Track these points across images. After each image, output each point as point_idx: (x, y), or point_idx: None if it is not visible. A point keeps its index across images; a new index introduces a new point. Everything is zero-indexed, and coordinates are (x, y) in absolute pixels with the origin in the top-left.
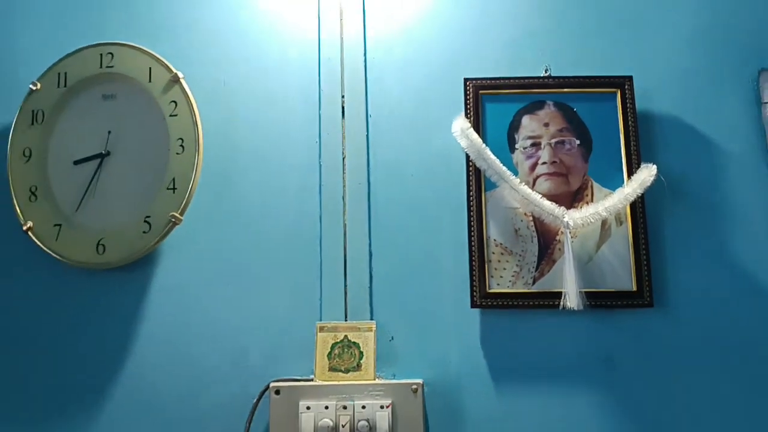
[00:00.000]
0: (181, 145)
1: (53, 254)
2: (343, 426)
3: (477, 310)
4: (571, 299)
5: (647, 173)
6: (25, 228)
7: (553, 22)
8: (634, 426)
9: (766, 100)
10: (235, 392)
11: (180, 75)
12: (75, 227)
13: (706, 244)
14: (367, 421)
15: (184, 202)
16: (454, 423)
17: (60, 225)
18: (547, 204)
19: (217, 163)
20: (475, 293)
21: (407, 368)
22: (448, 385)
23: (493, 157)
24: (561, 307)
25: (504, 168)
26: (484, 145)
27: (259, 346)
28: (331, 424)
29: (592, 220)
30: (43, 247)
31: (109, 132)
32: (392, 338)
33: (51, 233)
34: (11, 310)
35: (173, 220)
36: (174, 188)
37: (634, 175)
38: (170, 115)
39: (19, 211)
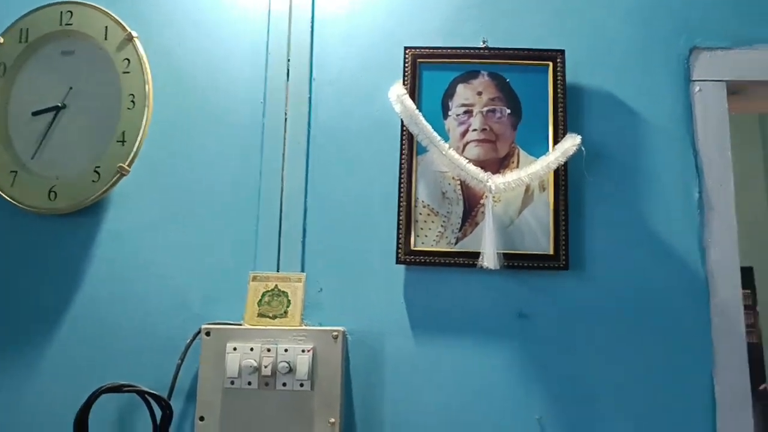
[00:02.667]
0: (132, 101)
1: (8, 199)
2: (265, 367)
3: (402, 266)
4: (488, 259)
5: (571, 142)
6: None
7: None
8: (541, 376)
9: (695, 78)
10: (174, 331)
11: (134, 34)
12: (30, 174)
13: (624, 212)
14: (288, 363)
15: (132, 154)
16: (374, 368)
17: (16, 172)
18: (472, 169)
19: (166, 119)
20: (400, 250)
21: (334, 317)
22: (371, 334)
23: (424, 122)
24: (479, 266)
25: (434, 133)
26: (417, 110)
27: (198, 291)
28: (254, 364)
29: (514, 186)
30: None
31: (71, 87)
32: (321, 289)
33: (7, 179)
34: None
35: (121, 170)
36: (123, 141)
37: (558, 143)
38: (123, 72)
39: None
